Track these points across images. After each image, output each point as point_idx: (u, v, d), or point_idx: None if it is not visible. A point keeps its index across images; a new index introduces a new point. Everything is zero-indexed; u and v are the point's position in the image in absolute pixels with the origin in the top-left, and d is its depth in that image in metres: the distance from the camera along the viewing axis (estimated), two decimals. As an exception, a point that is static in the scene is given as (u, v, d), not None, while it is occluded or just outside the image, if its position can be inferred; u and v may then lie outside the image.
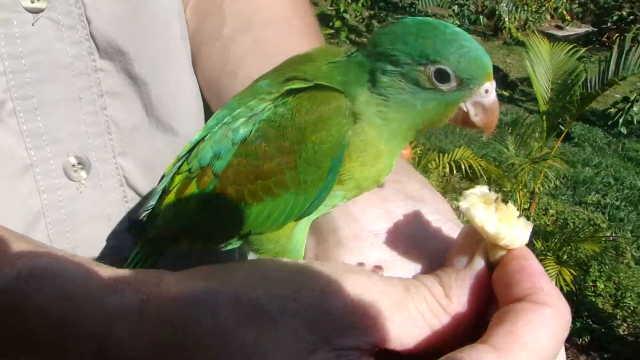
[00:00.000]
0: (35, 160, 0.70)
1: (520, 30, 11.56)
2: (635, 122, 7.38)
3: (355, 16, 9.99)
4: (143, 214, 0.59)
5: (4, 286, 0.46)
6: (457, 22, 10.98)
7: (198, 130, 0.81)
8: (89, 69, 0.72)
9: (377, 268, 0.50)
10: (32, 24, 0.68)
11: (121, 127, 0.75)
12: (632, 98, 7.23)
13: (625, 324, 3.86)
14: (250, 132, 0.48)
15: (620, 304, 3.97)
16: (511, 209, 0.45)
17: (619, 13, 10.67)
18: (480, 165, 4.62)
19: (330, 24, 8.84)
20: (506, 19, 11.54)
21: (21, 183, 0.69)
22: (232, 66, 0.76)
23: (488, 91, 0.47)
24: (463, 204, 0.45)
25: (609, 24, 11.20)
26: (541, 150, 4.56)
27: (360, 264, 0.51)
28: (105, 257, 0.75)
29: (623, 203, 5.53)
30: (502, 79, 9.86)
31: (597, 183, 5.90)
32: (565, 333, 0.41)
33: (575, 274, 3.76)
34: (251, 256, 0.54)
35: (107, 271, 0.48)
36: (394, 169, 0.53)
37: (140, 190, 0.78)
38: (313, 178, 0.48)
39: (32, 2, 0.67)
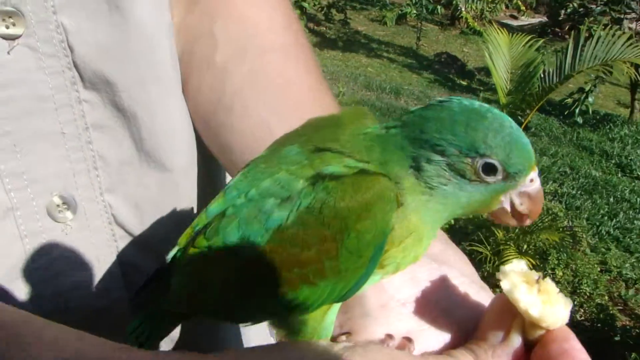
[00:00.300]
0: (15, 203, 0.64)
1: (476, 19, 11.73)
2: (590, 112, 7.62)
3: (314, 5, 9.94)
4: (147, 286, 0.55)
5: None
6: (415, 11, 11.05)
7: (191, 163, 0.77)
8: (72, 100, 0.66)
9: (407, 340, 0.48)
10: (8, 52, 0.61)
11: (108, 162, 0.69)
12: (587, 89, 7.45)
13: (582, 310, 4.00)
14: (287, 219, 0.44)
15: (577, 291, 4.10)
16: (550, 286, 0.45)
17: (572, 5, 10.93)
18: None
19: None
20: (463, 9, 11.69)
21: (0, 228, 0.64)
22: (227, 100, 0.71)
23: (533, 180, 0.46)
24: (505, 285, 0.44)
25: (562, 16, 11.48)
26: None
27: (389, 336, 0.49)
28: (95, 302, 0.70)
29: (579, 192, 5.70)
30: (460, 68, 10.07)
31: (554, 172, 6.05)
32: None
33: (535, 263, 3.87)
34: (264, 330, 0.51)
35: (122, 357, 0.44)
36: None
37: (129, 228, 0.72)
38: (354, 267, 0.45)
39: (7, 27, 0.61)
